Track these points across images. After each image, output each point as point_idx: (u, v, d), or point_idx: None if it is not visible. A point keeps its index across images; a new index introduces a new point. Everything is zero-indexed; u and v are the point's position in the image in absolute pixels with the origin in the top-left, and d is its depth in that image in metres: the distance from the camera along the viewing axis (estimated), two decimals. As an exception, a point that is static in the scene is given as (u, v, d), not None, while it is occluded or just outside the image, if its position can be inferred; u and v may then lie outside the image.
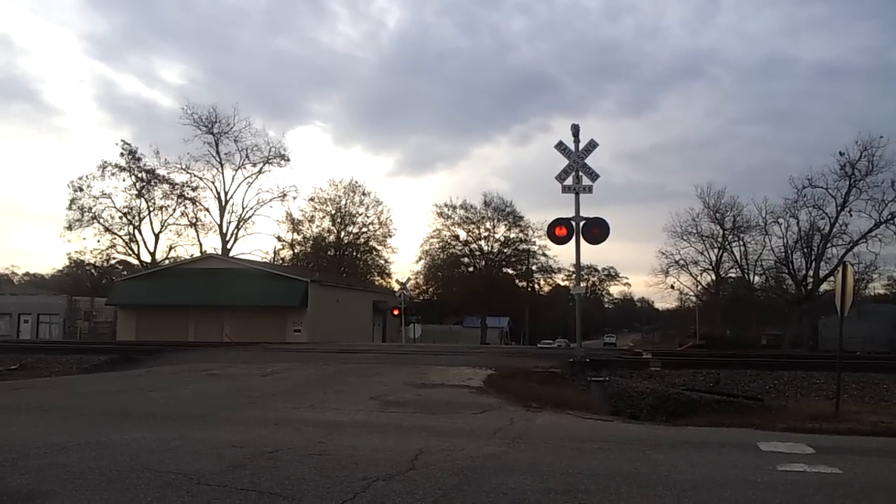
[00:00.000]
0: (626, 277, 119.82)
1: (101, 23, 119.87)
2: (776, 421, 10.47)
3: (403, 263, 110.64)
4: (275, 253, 69.80)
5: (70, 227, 59.27)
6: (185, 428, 8.73)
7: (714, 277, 63.53)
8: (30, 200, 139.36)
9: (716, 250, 61.54)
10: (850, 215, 51.08)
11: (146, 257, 61.70)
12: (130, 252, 62.77)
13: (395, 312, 44.91)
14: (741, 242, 59.76)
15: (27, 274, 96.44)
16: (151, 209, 62.02)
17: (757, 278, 62.38)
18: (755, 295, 62.90)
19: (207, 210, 63.76)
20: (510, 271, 77.17)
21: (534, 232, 70.15)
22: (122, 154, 60.89)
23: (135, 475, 6.10)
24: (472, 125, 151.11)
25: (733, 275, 63.80)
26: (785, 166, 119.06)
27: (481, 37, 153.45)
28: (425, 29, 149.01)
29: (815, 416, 11.13)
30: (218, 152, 62.05)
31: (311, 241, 71.70)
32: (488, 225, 72.20)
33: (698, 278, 63.84)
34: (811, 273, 54.58)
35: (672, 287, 64.17)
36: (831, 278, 48.90)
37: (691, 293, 67.30)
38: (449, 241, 72.85)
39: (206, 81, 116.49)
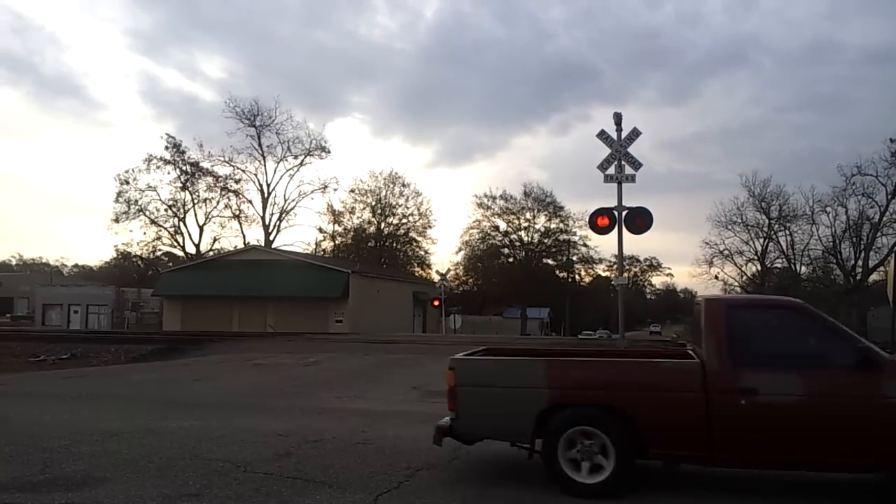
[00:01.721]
0: (668, 268, 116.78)
1: (143, 18, 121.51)
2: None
3: (443, 254, 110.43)
4: (316, 244, 70.34)
5: (117, 220, 60.46)
6: (231, 416, 8.88)
7: (759, 267, 62.12)
8: (78, 194, 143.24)
9: (761, 240, 59.98)
10: (902, 203, 49.34)
11: (191, 249, 62.78)
12: (176, 244, 63.93)
13: (436, 303, 44.89)
14: (787, 232, 58.12)
15: (76, 266, 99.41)
16: (196, 201, 62.93)
17: (804, 268, 60.74)
18: (802, 285, 61.24)
19: (250, 202, 64.49)
20: (550, 262, 76.46)
21: (574, 222, 69.39)
22: (166, 147, 61.79)
23: (184, 462, 6.23)
24: (511, 115, 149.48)
25: (779, 265, 62.31)
26: (831, 154, 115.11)
27: (519, 26, 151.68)
28: (462, 19, 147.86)
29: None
30: (260, 145, 62.62)
31: (351, 233, 72.05)
32: (528, 215, 71.54)
33: (743, 268, 62.36)
34: (860, 263, 52.95)
35: (716, 277, 62.60)
36: (882, 268, 47.51)
37: (736, 284, 65.72)
38: (489, 231, 72.47)
39: (246, 75, 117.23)
